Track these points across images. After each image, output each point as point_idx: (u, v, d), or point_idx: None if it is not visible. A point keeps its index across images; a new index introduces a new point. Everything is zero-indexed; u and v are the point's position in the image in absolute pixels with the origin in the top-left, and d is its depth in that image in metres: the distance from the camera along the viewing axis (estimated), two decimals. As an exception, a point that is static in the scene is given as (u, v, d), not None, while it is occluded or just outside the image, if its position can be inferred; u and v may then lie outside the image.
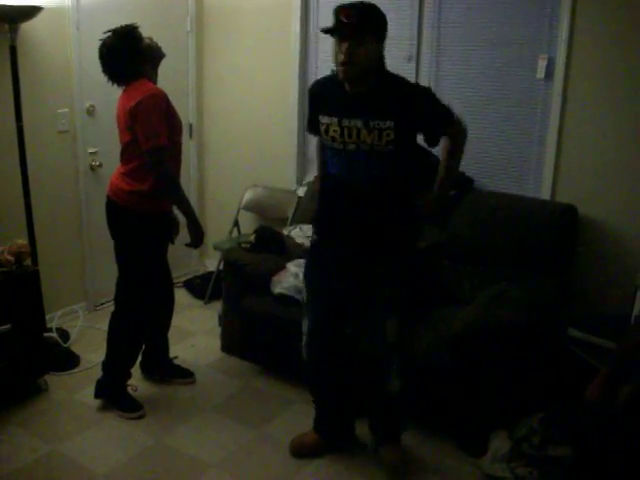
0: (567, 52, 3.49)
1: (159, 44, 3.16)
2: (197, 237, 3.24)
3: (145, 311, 3.32)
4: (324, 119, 2.61)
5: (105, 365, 3.35)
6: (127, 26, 3.09)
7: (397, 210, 2.67)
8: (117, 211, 3.18)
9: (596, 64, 3.46)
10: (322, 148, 2.79)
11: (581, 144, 3.55)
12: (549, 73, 3.59)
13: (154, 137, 2.96)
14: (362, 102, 2.51)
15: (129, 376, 3.38)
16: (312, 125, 2.77)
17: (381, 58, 2.56)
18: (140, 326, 3.35)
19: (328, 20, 4.20)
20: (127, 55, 3.04)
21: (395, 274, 2.69)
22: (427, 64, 4.00)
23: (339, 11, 2.42)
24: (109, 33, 3.07)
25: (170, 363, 3.66)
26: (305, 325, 2.88)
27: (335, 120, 2.56)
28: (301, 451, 3.02)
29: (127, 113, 2.99)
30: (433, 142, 2.67)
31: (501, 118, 3.82)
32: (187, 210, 3.18)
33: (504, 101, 3.80)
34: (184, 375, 3.64)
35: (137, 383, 3.46)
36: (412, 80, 3.96)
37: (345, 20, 2.38)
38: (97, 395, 3.34)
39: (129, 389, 3.37)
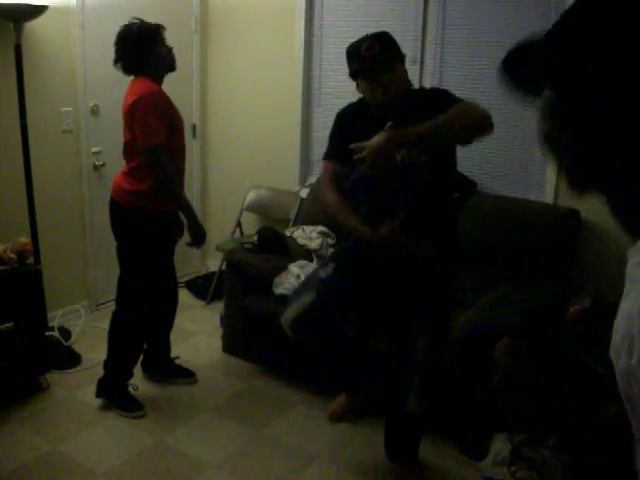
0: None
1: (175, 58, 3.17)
2: (198, 237, 3.23)
3: (146, 311, 3.32)
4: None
5: (106, 364, 3.35)
6: (156, 24, 3.11)
7: (441, 228, 2.58)
8: (119, 211, 3.19)
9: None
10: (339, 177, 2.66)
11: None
12: (553, 77, 3.59)
13: (151, 136, 2.96)
14: (392, 119, 2.42)
15: (130, 375, 3.38)
16: (337, 151, 2.63)
17: (407, 79, 2.54)
18: (141, 326, 3.35)
19: (332, 23, 4.29)
20: (142, 48, 3.03)
21: (437, 292, 2.60)
22: (431, 66, 4.00)
23: (358, 49, 2.40)
24: (136, 20, 3.08)
25: (171, 363, 3.66)
26: (306, 297, 2.64)
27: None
28: (339, 416, 2.93)
29: (126, 111, 3.01)
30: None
31: (504, 121, 3.81)
32: (186, 210, 3.18)
33: (508, 104, 3.79)
34: (185, 375, 3.64)
35: (138, 383, 3.46)
36: (416, 84, 4.01)
37: (368, 54, 2.36)
38: (98, 394, 3.35)
39: (130, 388, 3.37)
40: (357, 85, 2.51)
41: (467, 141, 2.46)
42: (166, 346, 3.63)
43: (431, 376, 2.66)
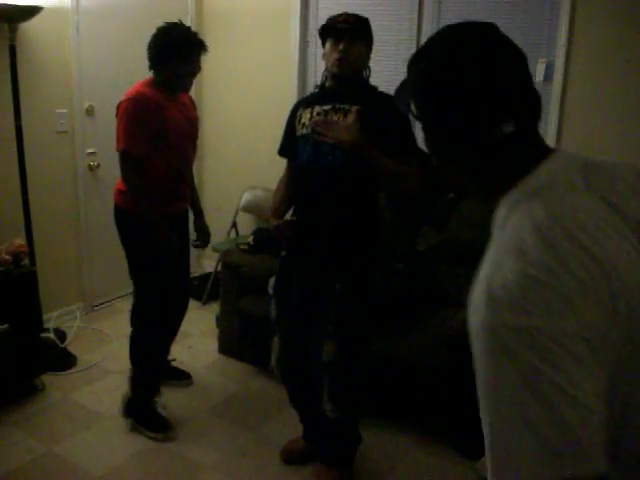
0: (566, 56, 3.51)
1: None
2: (160, 246, 3.00)
3: (161, 321, 3.20)
4: (299, 112, 2.71)
5: (131, 382, 3.21)
6: (197, 40, 2.97)
7: (361, 209, 2.62)
8: (116, 213, 3.10)
9: (595, 68, 3.47)
10: (291, 172, 2.86)
11: (580, 147, 3.56)
12: (548, 76, 3.61)
13: (121, 140, 2.88)
14: (335, 91, 2.63)
15: (157, 392, 3.26)
16: (287, 143, 2.83)
17: (367, 68, 2.66)
18: (160, 337, 3.24)
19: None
20: (163, 55, 2.92)
21: (350, 293, 2.59)
22: (426, 67, 4.00)
23: (336, 16, 2.58)
24: (180, 25, 2.99)
25: (168, 365, 3.65)
26: (276, 343, 2.85)
27: (308, 109, 2.66)
28: (291, 457, 3.00)
29: None
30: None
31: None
32: (145, 218, 2.98)
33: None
34: (181, 377, 3.63)
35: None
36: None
37: (342, 23, 2.54)
38: (124, 414, 3.21)
39: (158, 407, 3.25)
40: (323, 54, 2.63)
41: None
42: (166, 349, 3.60)
43: (340, 378, 2.65)
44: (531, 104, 1.07)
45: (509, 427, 0.84)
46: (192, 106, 3.25)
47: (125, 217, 3.06)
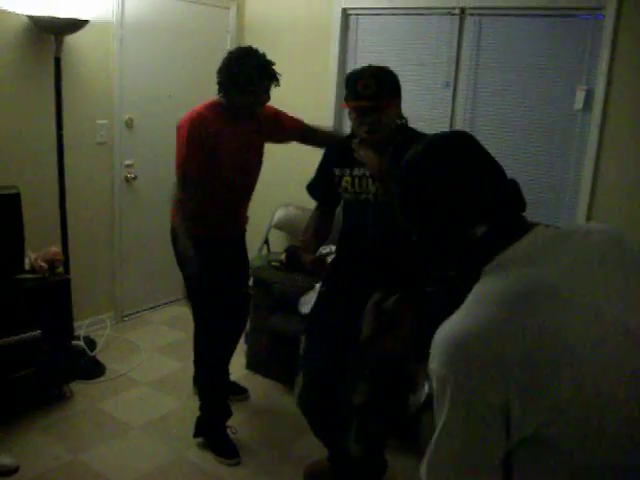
0: (606, 84, 3.47)
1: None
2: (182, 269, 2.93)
3: (220, 347, 3.21)
4: (337, 171, 2.59)
5: (201, 408, 3.22)
6: (270, 71, 2.94)
7: (404, 271, 2.47)
8: (172, 234, 3.01)
9: (635, 96, 3.43)
10: (321, 213, 2.81)
11: (618, 176, 3.51)
12: (587, 104, 3.57)
13: (176, 166, 2.84)
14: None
15: (228, 415, 3.23)
16: (317, 184, 2.76)
17: (401, 115, 2.51)
18: (219, 366, 3.25)
19: (367, 46, 4.31)
20: (228, 84, 2.85)
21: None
22: (464, 91, 4.00)
23: (356, 82, 2.37)
24: (254, 53, 2.91)
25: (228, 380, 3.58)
26: (300, 379, 2.73)
27: (347, 171, 2.54)
28: (315, 478, 2.96)
29: None
30: None
31: (537, 148, 3.80)
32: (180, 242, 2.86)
33: (541, 131, 3.78)
34: (238, 392, 3.60)
35: (187, 397, 3.42)
36: (448, 108, 4.02)
37: (363, 92, 2.33)
38: (197, 434, 3.20)
39: (229, 431, 3.21)
40: (349, 113, 2.47)
41: None
42: (228, 364, 3.51)
43: (370, 422, 2.60)
44: (506, 199, 1.25)
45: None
46: (258, 133, 3.17)
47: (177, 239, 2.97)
